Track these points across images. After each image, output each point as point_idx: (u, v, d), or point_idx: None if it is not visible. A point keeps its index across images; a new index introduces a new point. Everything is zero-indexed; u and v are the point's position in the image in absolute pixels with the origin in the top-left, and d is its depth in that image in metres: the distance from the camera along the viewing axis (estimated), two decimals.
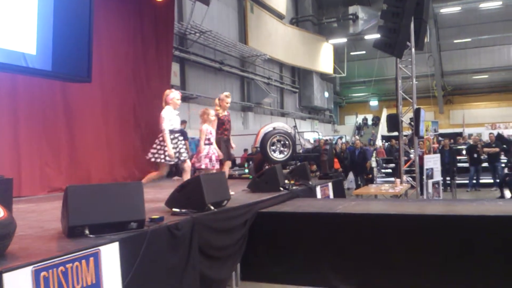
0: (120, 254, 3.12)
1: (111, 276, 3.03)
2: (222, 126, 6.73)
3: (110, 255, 3.05)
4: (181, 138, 5.78)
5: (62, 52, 3.74)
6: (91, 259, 2.89)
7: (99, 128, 8.38)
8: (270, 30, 21.80)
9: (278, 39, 22.44)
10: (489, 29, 26.73)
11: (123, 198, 3.43)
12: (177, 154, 5.59)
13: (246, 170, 10.68)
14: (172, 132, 5.59)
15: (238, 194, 6.24)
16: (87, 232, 3.18)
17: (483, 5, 25.54)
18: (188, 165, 5.80)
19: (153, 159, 5.61)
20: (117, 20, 8.95)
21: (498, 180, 12.30)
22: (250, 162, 10.99)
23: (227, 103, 6.75)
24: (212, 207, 4.34)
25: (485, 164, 13.19)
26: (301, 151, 11.10)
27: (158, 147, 5.61)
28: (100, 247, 2.98)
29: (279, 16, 22.90)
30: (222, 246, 4.41)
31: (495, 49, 28.84)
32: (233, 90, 19.44)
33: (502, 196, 10.87)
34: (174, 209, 4.32)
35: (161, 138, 5.61)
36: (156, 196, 5.86)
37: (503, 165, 12.67)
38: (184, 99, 15.66)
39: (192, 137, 13.98)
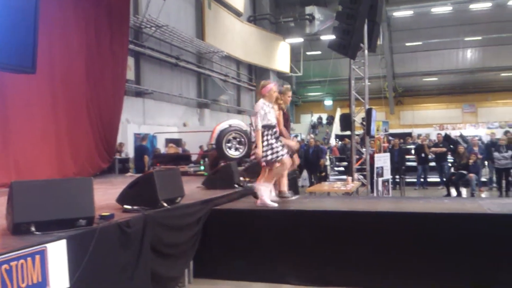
0: (68, 252, 3.05)
1: (58, 274, 2.96)
2: (287, 122, 6.11)
3: (57, 252, 2.98)
4: (277, 134, 5.29)
5: (5, 41, 3.57)
6: (37, 256, 2.82)
7: (48, 122, 8.09)
8: (228, 27, 21.74)
9: (235, 36, 22.41)
10: (440, 33, 27.75)
11: (71, 194, 3.35)
12: (274, 153, 5.09)
13: (202, 167, 10.61)
14: (268, 127, 5.16)
15: (192, 191, 6.20)
16: (33, 229, 3.09)
17: (434, 10, 26.52)
18: (289, 162, 5.36)
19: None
20: (70, 10, 8.66)
21: (444, 179, 12.83)
22: (206, 159, 10.94)
23: (289, 96, 5.87)
24: (165, 204, 4.30)
25: (432, 164, 13.73)
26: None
27: (268, 145, 5.15)
28: (47, 245, 2.91)
29: (237, 14, 22.87)
30: (175, 243, 4.38)
31: (445, 53, 29.99)
32: (190, 86, 19.27)
33: (448, 195, 11.33)
34: (125, 206, 4.25)
35: (263, 136, 5.16)
36: (107, 193, 5.73)
37: (449, 164, 13.22)
38: (139, 94, 15.40)
39: (147, 133, 13.78)
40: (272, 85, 5.30)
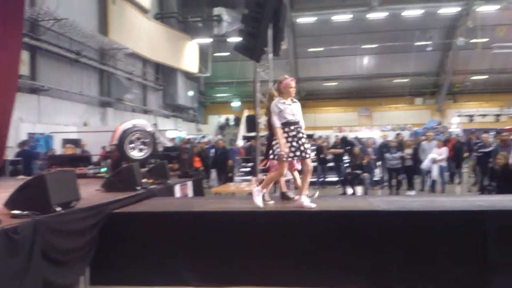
0: None
1: None
2: None
3: None
4: (302, 130, 5.08)
5: None
6: None
7: None
8: (133, 23, 21.11)
9: (141, 33, 21.83)
10: (340, 40, 29.30)
11: None
12: (297, 149, 4.94)
13: (103, 169, 10.21)
14: (289, 124, 4.98)
15: (90, 194, 5.95)
16: None
17: (335, 18, 27.99)
18: (310, 165, 5.15)
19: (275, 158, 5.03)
20: None
21: (341, 178, 13.58)
22: (108, 161, 10.54)
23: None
24: (58, 208, 4.09)
25: (331, 164, 14.48)
26: (161, 149, 10.98)
27: (274, 143, 5.01)
28: None
29: (143, 10, 22.30)
30: (69, 250, 4.18)
31: (344, 59, 31.73)
32: (91, 83, 18.43)
33: (344, 193, 12.02)
34: (14, 211, 3.98)
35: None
36: None
37: (346, 164, 14.02)
38: (34, 90, 14.45)
39: (42, 132, 12.95)
40: (288, 81, 5.13)
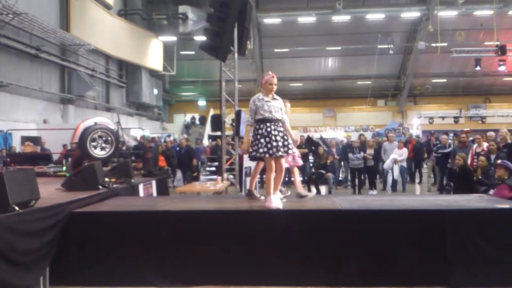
0: None
1: None
2: None
3: None
4: (280, 128, 5.01)
5: None
6: None
7: None
8: (96, 19, 20.63)
9: (104, 29, 21.36)
10: (305, 41, 29.55)
11: None
12: (271, 147, 4.91)
13: (64, 168, 9.96)
14: (265, 121, 4.94)
15: (50, 193, 5.79)
16: None
17: (300, 20, 28.25)
18: (280, 165, 5.11)
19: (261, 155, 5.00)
20: None
21: (306, 178, 13.73)
22: (69, 159, 10.28)
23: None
24: (16, 208, 3.97)
25: None
26: (124, 148, 10.79)
27: (254, 141, 4.96)
28: None
29: (106, 6, 21.82)
30: (28, 250, 4.07)
31: (309, 60, 32.08)
32: (52, 80, 17.89)
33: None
34: None
35: (254, 131, 4.98)
36: None
37: (311, 164, 14.19)
38: None
39: (0, 130, 12.52)
40: (268, 77, 5.12)
